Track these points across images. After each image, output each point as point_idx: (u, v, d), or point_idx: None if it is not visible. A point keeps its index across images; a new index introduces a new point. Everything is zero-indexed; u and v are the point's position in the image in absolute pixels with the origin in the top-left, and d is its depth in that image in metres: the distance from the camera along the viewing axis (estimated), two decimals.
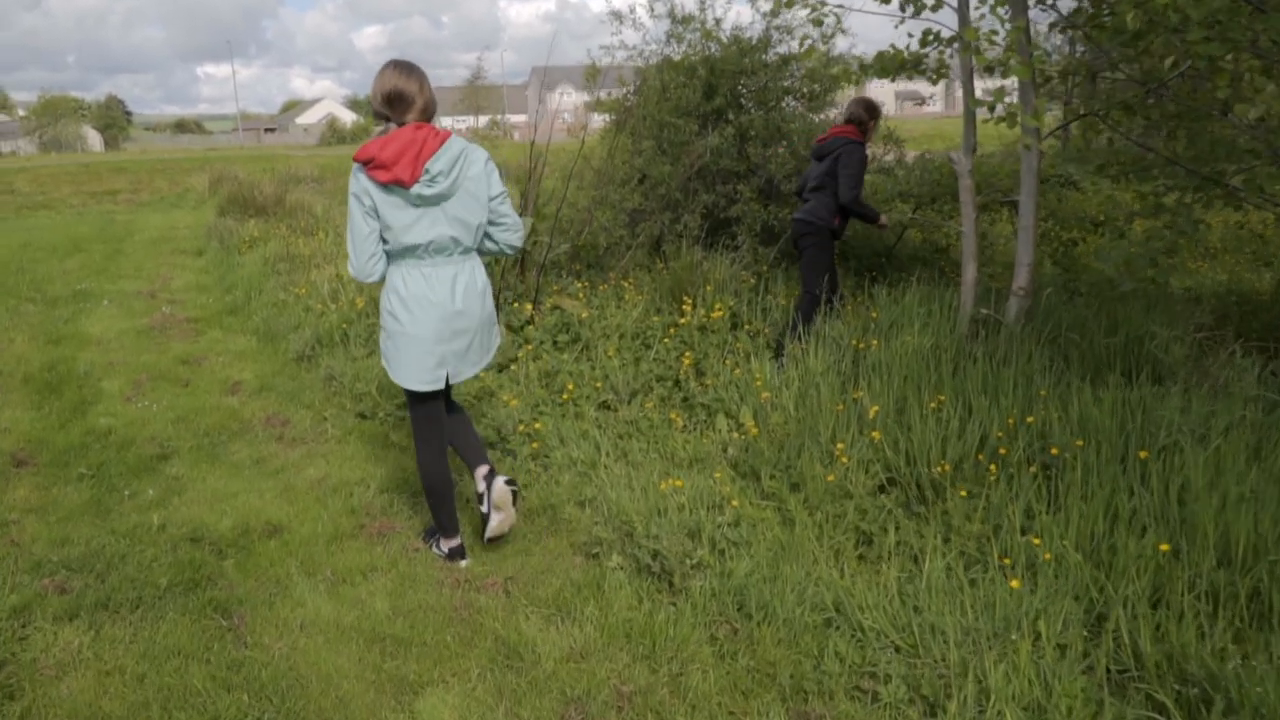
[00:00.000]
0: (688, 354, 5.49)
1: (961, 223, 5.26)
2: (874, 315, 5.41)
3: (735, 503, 3.79)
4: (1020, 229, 5.05)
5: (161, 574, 3.50)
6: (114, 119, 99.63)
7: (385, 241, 3.28)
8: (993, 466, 3.81)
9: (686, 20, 7.95)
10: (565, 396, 5.16)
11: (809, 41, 5.21)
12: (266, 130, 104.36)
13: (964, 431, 4.05)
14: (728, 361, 5.39)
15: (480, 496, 3.63)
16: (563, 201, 6.77)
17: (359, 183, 3.20)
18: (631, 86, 8.16)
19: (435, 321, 3.32)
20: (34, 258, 11.94)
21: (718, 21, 7.94)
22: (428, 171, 3.15)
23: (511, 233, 3.47)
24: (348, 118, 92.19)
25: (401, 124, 3.21)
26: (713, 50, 7.79)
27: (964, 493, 3.71)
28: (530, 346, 5.78)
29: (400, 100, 3.20)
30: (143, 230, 15.26)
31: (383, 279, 3.37)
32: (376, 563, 3.64)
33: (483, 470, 3.63)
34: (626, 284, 6.62)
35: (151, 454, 4.83)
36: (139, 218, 17.46)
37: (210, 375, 6.37)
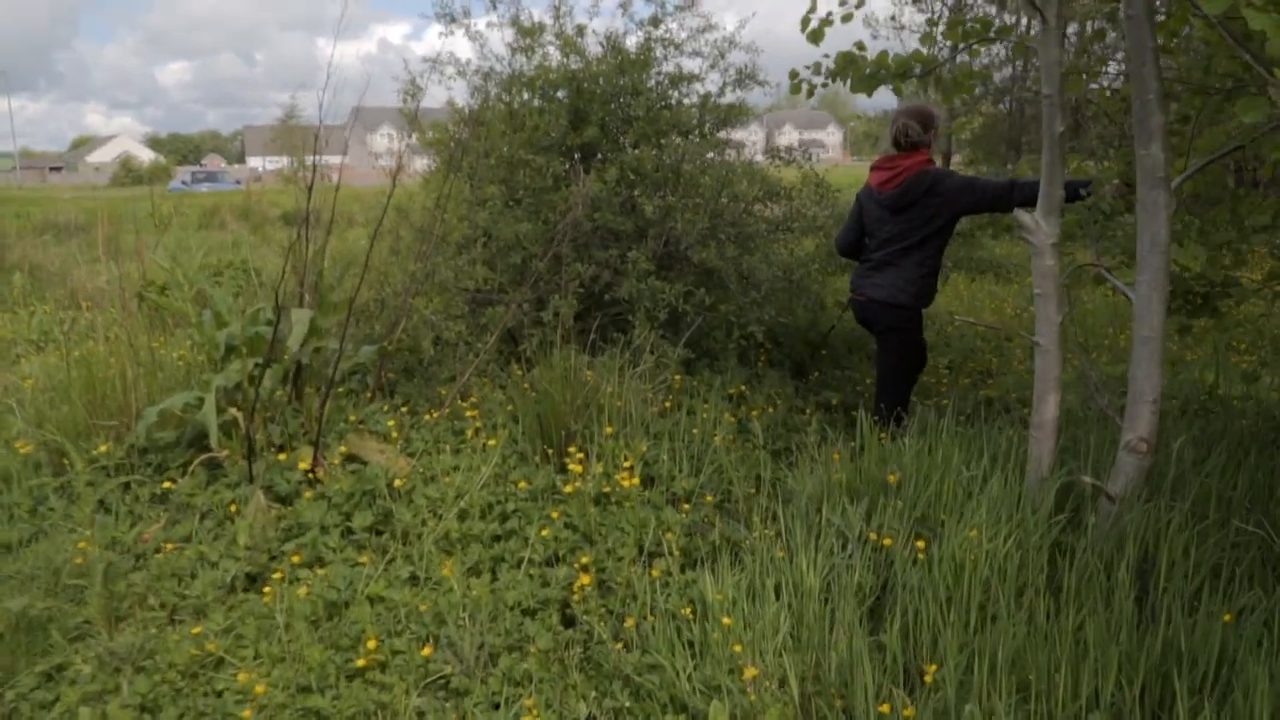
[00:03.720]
0: (583, 556, 3.17)
1: (1037, 327, 3.19)
2: (891, 479, 3.26)
3: None
4: (1137, 340, 3.02)
5: None
6: None
7: None
8: None
9: (536, 30, 5.73)
10: (362, 662, 2.74)
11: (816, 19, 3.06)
12: (52, 169, 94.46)
13: None
14: (654, 570, 3.10)
15: None
16: (361, 277, 4.30)
17: None
18: (467, 111, 5.80)
19: None
20: None
21: (580, 29, 5.76)
22: None
23: None
24: (146, 156, 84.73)
25: None
26: (576, 65, 5.60)
27: None
28: (302, 551, 3.29)
29: None
30: None
31: None
32: None
33: None
34: (469, 410, 4.22)
35: None
36: None
37: None
